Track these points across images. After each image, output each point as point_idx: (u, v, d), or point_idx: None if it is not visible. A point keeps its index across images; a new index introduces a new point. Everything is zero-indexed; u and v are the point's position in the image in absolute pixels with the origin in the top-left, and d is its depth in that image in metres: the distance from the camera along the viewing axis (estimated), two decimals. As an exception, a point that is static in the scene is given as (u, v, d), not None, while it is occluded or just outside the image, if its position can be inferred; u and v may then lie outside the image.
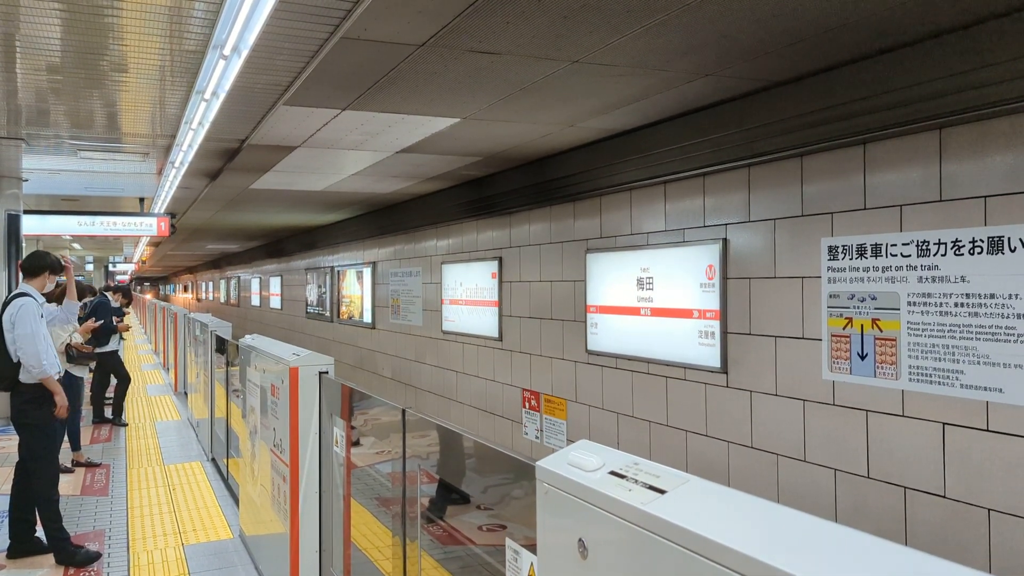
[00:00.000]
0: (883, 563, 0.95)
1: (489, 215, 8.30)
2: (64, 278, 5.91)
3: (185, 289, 49.02)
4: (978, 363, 3.62)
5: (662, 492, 1.21)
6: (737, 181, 5.02)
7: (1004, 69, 3.39)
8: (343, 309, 13.95)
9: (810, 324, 4.46)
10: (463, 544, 3.70)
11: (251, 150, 6.54)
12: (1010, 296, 3.48)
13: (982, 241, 3.60)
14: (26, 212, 9.30)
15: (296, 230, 15.93)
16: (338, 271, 14.20)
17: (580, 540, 1.33)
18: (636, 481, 1.28)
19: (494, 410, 8.20)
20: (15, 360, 4.52)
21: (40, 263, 4.96)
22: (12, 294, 4.80)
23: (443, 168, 7.57)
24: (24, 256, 5.26)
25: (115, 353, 9.36)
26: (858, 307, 4.17)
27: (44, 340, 4.60)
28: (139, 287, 69.22)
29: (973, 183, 3.66)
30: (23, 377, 4.54)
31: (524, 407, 7.58)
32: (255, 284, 23.39)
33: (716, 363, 5.12)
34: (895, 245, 3.98)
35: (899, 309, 3.96)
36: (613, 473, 1.34)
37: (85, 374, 7.50)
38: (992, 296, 3.56)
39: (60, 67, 4.56)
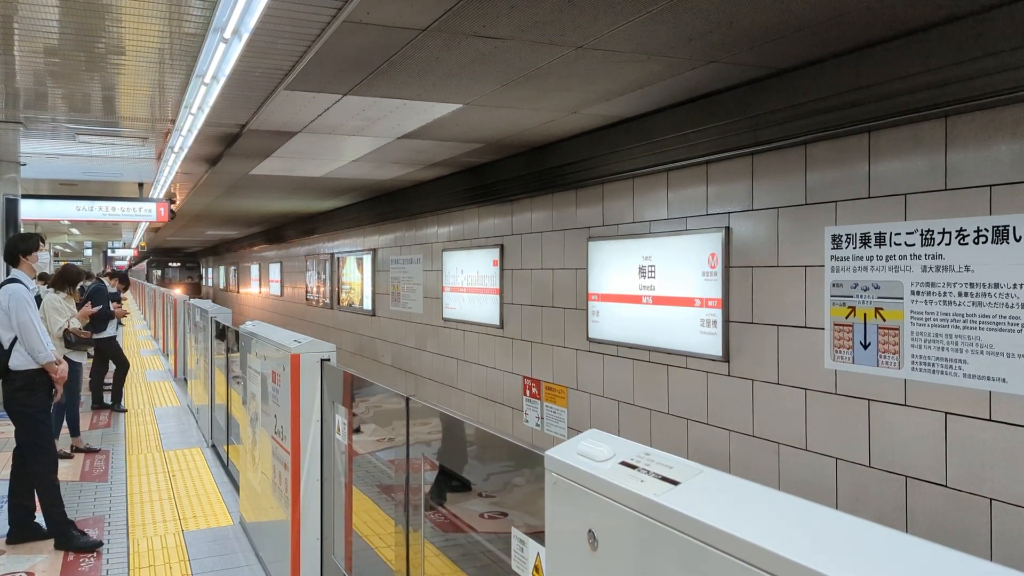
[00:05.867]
0: (905, 558, 0.94)
1: (491, 202, 8.27)
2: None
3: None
4: (981, 353, 3.61)
5: (675, 483, 1.20)
6: (740, 169, 4.99)
7: (1011, 57, 3.35)
8: (343, 296, 13.92)
9: (813, 313, 4.44)
10: (464, 531, 3.70)
11: (251, 135, 6.49)
12: (1014, 286, 3.47)
13: (987, 230, 3.58)
14: (24, 196, 9.25)
15: (295, 216, 15.88)
16: (338, 258, 14.16)
17: (590, 531, 1.31)
18: (648, 472, 1.26)
19: (495, 398, 8.20)
20: (6, 347, 4.50)
21: (15, 249, 4.89)
22: (2, 281, 4.78)
23: (445, 154, 7.53)
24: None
25: (113, 339, 9.33)
26: (861, 296, 4.16)
27: (39, 325, 4.60)
28: (160, 271, 40.01)
29: (978, 172, 3.64)
30: (14, 364, 4.52)
31: (525, 395, 7.57)
32: (254, 271, 23.34)
33: (718, 352, 5.11)
34: (899, 234, 3.96)
35: (902, 298, 3.95)
36: (624, 463, 1.32)
37: (83, 359, 7.47)
38: (996, 286, 3.54)
39: (58, 49, 4.52)
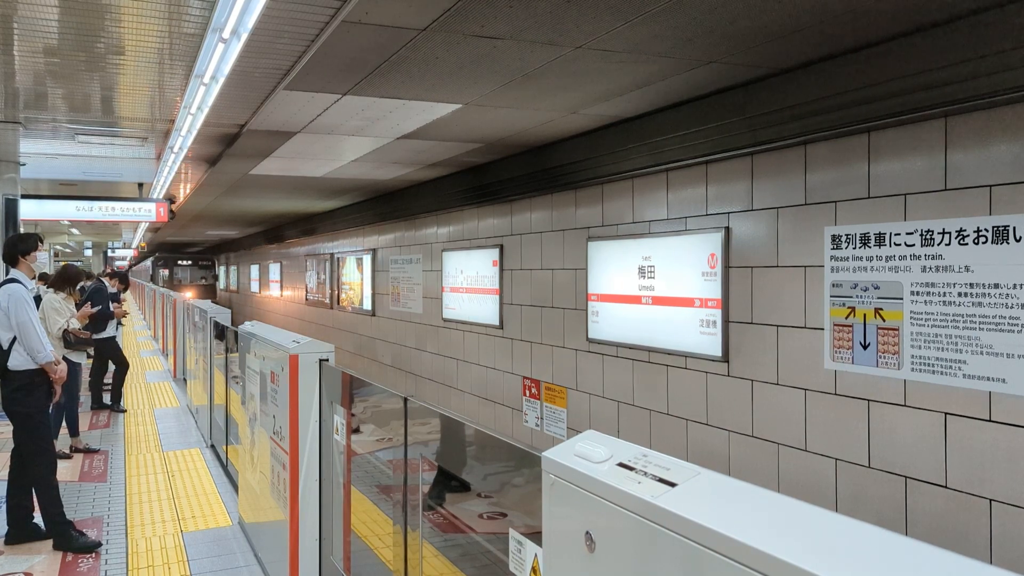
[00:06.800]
0: (901, 561, 0.93)
1: (490, 202, 8.26)
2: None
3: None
4: (981, 353, 3.60)
5: (672, 485, 1.19)
6: (740, 169, 4.98)
7: (1011, 57, 3.35)
8: (342, 296, 13.91)
9: (812, 313, 4.44)
10: (463, 532, 3.70)
11: (251, 135, 6.49)
12: (1014, 286, 3.46)
13: (987, 231, 3.57)
14: (24, 197, 9.25)
15: (295, 217, 15.86)
16: (338, 258, 14.15)
17: (587, 533, 1.31)
18: (645, 473, 1.25)
19: (494, 398, 8.19)
20: (5, 347, 4.50)
21: (14, 249, 4.90)
22: (1, 281, 4.77)
23: (444, 154, 7.53)
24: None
25: (113, 339, 9.33)
26: (861, 296, 4.15)
27: (38, 325, 4.60)
28: (168, 271, 32.78)
29: (978, 172, 3.63)
30: (13, 364, 4.51)
31: (524, 395, 7.57)
32: (255, 271, 23.34)
33: (717, 352, 5.11)
34: (899, 234, 3.95)
35: (902, 299, 3.94)
36: (622, 465, 1.31)
37: (83, 360, 7.46)
38: (996, 286, 3.53)
39: (57, 49, 4.51)
